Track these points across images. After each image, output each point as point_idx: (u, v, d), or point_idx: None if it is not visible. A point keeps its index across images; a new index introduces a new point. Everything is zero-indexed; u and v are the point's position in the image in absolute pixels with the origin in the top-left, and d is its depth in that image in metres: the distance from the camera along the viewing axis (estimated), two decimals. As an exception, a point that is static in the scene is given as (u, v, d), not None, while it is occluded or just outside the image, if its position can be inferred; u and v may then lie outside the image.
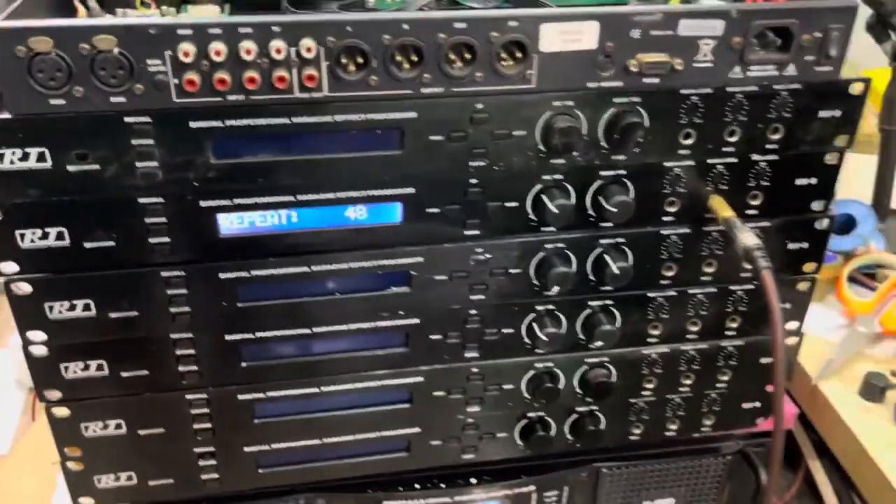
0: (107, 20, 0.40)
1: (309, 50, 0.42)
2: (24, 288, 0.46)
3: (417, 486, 0.60)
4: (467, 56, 0.45)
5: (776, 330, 0.47)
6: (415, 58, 0.44)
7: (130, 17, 0.50)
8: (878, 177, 0.85)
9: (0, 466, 0.67)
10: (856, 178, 0.91)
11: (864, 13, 0.91)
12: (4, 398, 0.76)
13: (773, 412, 0.48)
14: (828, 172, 0.53)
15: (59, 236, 0.45)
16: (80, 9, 0.50)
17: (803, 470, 0.75)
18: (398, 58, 0.44)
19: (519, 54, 0.45)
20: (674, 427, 0.62)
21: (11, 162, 0.42)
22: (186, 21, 0.41)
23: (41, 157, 0.42)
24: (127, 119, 0.42)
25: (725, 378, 0.60)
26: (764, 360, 0.60)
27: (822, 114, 0.50)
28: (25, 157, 0.42)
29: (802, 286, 0.57)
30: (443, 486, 0.61)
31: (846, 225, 0.81)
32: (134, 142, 0.43)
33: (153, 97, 0.42)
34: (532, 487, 0.62)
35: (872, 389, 0.67)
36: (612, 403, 0.59)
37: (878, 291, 0.75)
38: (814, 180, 0.53)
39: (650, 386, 0.59)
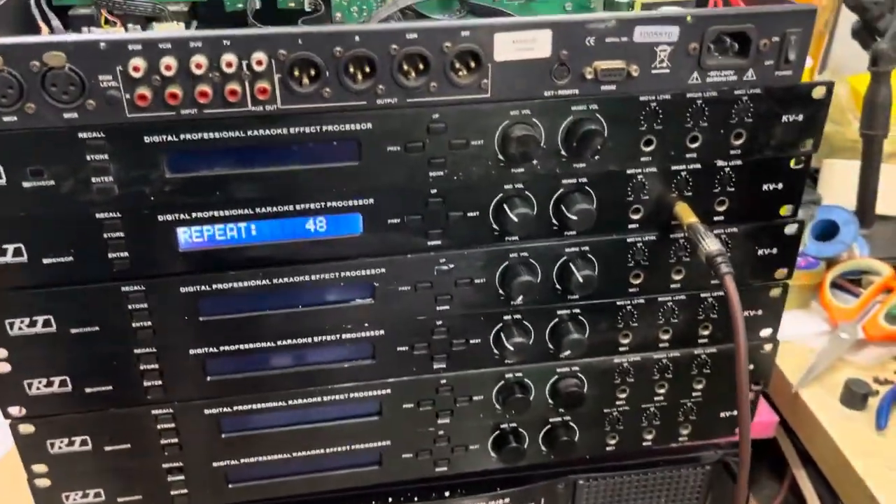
0: (55, 36, 0.41)
1: (260, 63, 0.42)
2: (-17, 304, 0.46)
3: (391, 499, 0.60)
4: (421, 67, 0.45)
5: (739, 336, 0.46)
6: (368, 69, 0.44)
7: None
8: (860, 182, 0.84)
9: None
10: (840, 183, 0.90)
11: (851, 19, 0.91)
12: None
13: (738, 420, 0.47)
14: (794, 177, 0.53)
15: (17, 252, 0.45)
16: (44, 28, 0.50)
17: (789, 479, 0.74)
18: (351, 69, 0.44)
19: (473, 64, 0.45)
20: (650, 437, 0.61)
21: (-34, 179, 0.42)
22: (136, 36, 0.41)
23: (-5, 174, 0.43)
24: (80, 135, 0.42)
25: (700, 386, 0.60)
26: (739, 368, 0.59)
27: (785, 118, 0.50)
28: (-20, 174, 0.42)
29: (775, 292, 0.57)
30: (416, 499, 0.60)
31: (829, 231, 0.80)
32: (88, 157, 0.43)
33: (106, 112, 0.42)
34: (507, 500, 0.61)
35: (853, 396, 0.66)
36: (585, 413, 0.59)
37: (861, 298, 0.75)
38: (780, 185, 0.53)
39: (623, 395, 0.59)
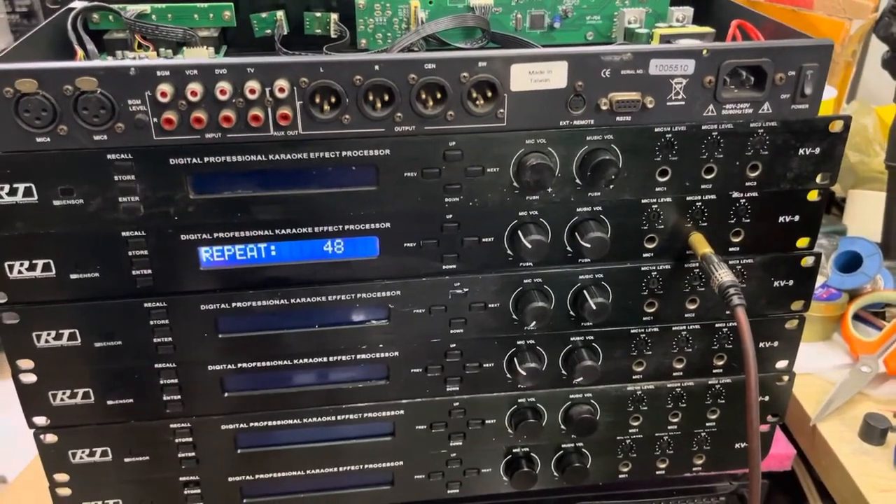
0: (88, 63, 0.42)
1: (282, 90, 0.43)
2: (13, 317, 0.48)
3: (402, 519, 0.60)
4: (439, 96, 0.46)
5: (749, 368, 0.46)
6: (387, 97, 0.45)
7: (127, 59, 0.53)
8: (886, 214, 0.84)
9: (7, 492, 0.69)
10: (866, 214, 0.89)
11: (882, 48, 0.91)
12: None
13: (748, 453, 0.47)
14: (811, 209, 0.52)
15: (46, 267, 0.47)
16: (79, 51, 0.52)
17: (806, 513, 0.73)
18: (371, 97, 0.45)
19: (490, 94, 0.46)
20: (663, 465, 0.61)
21: (0, 197, 0.44)
22: (164, 63, 0.42)
23: (28, 192, 0.44)
24: (109, 156, 0.44)
25: (715, 417, 0.59)
26: (755, 399, 0.59)
27: (801, 151, 0.50)
28: (13, 192, 0.44)
29: (791, 324, 0.57)
30: (428, 520, 0.61)
31: (853, 262, 0.79)
32: (116, 178, 0.45)
33: (134, 135, 0.44)
34: (518, 524, 0.61)
35: (872, 431, 0.65)
36: (598, 440, 0.59)
37: (884, 331, 0.74)
38: (797, 217, 0.53)
39: (637, 423, 0.59)
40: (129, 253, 0.47)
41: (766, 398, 0.59)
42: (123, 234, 0.47)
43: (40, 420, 0.52)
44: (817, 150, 0.50)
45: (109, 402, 0.52)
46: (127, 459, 0.54)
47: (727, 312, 0.55)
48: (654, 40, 0.55)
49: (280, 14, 0.57)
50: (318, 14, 0.58)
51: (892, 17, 0.89)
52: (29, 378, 0.50)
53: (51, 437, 0.52)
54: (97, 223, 0.46)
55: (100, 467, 0.54)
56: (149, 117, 0.43)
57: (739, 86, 0.48)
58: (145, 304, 0.49)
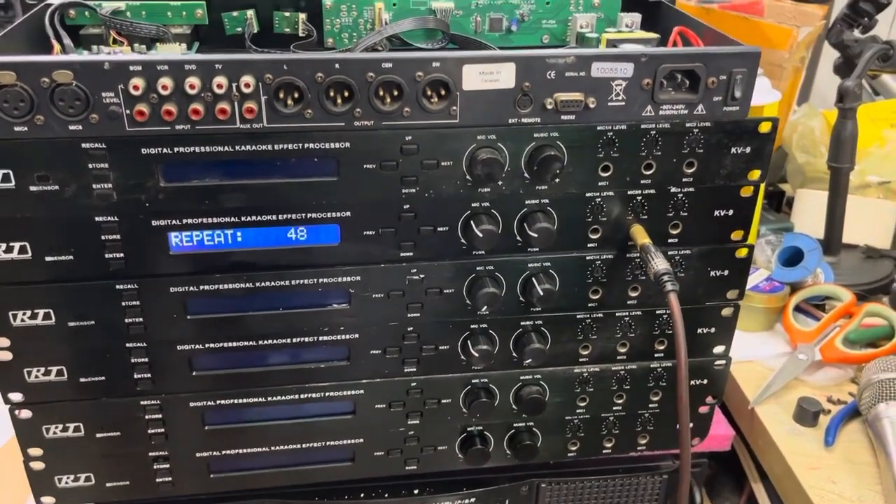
0: (64, 57, 0.45)
1: (248, 85, 0.46)
2: (-11, 297, 0.50)
3: (363, 495, 0.64)
4: (395, 93, 0.49)
5: (680, 350, 0.50)
6: (347, 94, 0.48)
7: (102, 53, 0.55)
8: (828, 212, 0.88)
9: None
10: (812, 212, 0.94)
11: (835, 54, 0.95)
12: None
13: (679, 431, 0.51)
14: (744, 204, 0.56)
15: (22, 250, 0.49)
16: (56, 46, 0.55)
17: (747, 492, 0.77)
18: (332, 93, 0.48)
19: (443, 92, 0.49)
20: (610, 445, 0.65)
21: (-21, 182, 0.47)
22: (136, 58, 0.45)
23: (6, 178, 0.47)
24: (84, 145, 0.47)
25: (657, 398, 0.63)
26: (695, 382, 0.63)
27: (734, 150, 0.54)
28: (-8, 177, 0.47)
29: (726, 312, 0.60)
30: (386, 496, 0.64)
31: (795, 257, 0.84)
32: (90, 166, 0.47)
33: (107, 126, 0.46)
34: (473, 500, 0.65)
35: (805, 414, 0.69)
36: (547, 420, 0.63)
37: (821, 322, 0.78)
38: (731, 212, 0.56)
39: (584, 404, 0.62)
40: (102, 237, 0.50)
41: (705, 381, 0.63)
42: (97, 219, 0.49)
43: (16, 396, 0.54)
44: (748, 150, 0.54)
45: (82, 380, 0.54)
46: (98, 435, 0.56)
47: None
48: (601, 44, 0.59)
49: (250, 13, 0.60)
50: (287, 14, 0.61)
51: (844, 24, 0.94)
52: (5, 356, 0.52)
53: (25, 413, 0.55)
54: (72, 209, 0.48)
55: (72, 442, 0.56)
56: (122, 109, 0.46)
57: (676, 88, 0.52)
58: (117, 286, 0.52)
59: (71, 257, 0.50)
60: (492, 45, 0.60)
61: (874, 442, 0.66)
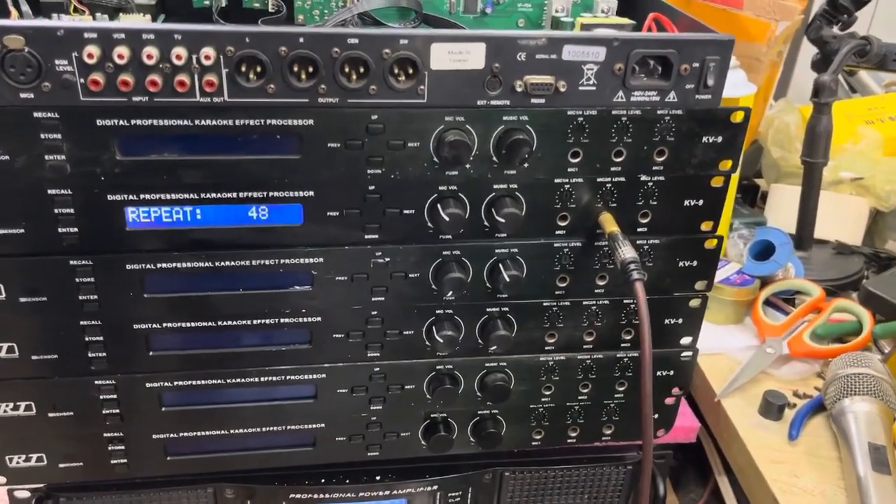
0: (15, 21, 0.43)
1: (208, 57, 0.45)
2: (-64, 270, 0.49)
3: (323, 480, 0.63)
4: (362, 70, 0.48)
5: (644, 339, 0.50)
6: (311, 69, 0.47)
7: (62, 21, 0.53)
8: (800, 206, 0.89)
9: None
10: (785, 207, 0.94)
11: (814, 50, 0.95)
12: None
13: (642, 421, 0.50)
14: (714, 195, 0.56)
15: (-29, 222, 0.48)
16: (14, 12, 0.53)
17: (711, 484, 0.77)
18: (296, 68, 0.47)
19: (411, 70, 0.48)
20: (574, 434, 0.64)
21: (-75, 150, 0.45)
22: (91, 25, 0.44)
23: (-47, 147, 0.45)
24: (35, 114, 0.45)
25: (623, 388, 0.63)
26: (661, 373, 0.63)
27: (705, 139, 0.53)
28: (-61, 146, 0.45)
29: (694, 303, 0.60)
30: (347, 481, 0.63)
31: (766, 251, 0.84)
32: (42, 136, 0.46)
33: (60, 95, 0.45)
34: (435, 487, 0.64)
35: (770, 407, 0.69)
36: (512, 408, 0.62)
37: (790, 316, 0.78)
38: (701, 202, 0.56)
39: (549, 392, 0.62)
40: (56, 211, 0.48)
41: (671, 372, 0.63)
42: (49, 191, 0.48)
43: (-37, 373, 0.53)
44: (720, 139, 0.53)
45: (34, 358, 0.53)
46: (51, 415, 0.55)
47: (633, 289, 0.58)
48: (575, 29, 0.58)
49: (218, -15, 0.59)
50: (256, -12, 0.59)
51: (823, 20, 0.94)
52: (-47, 331, 0.51)
53: (-26, 390, 0.53)
54: (23, 180, 0.47)
55: (24, 421, 0.55)
56: (76, 78, 0.45)
57: (648, 74, 0.51)
58: (71, 262, 0.50)
59: (22, 230, 0.48)
60: (465, 27, 0.59)
61: (838, 437, 0.66)
